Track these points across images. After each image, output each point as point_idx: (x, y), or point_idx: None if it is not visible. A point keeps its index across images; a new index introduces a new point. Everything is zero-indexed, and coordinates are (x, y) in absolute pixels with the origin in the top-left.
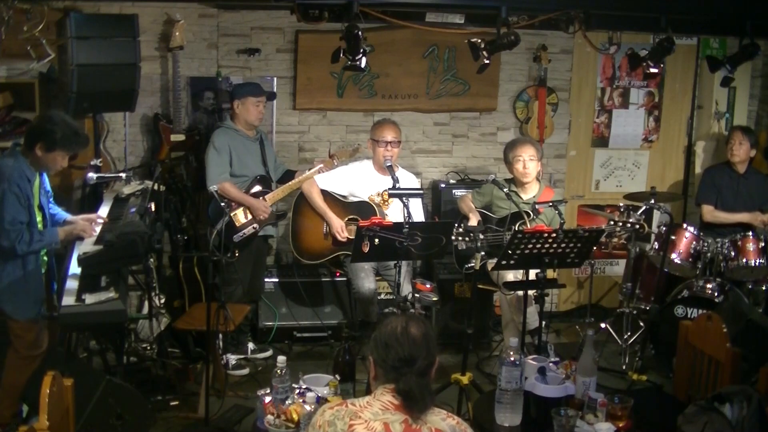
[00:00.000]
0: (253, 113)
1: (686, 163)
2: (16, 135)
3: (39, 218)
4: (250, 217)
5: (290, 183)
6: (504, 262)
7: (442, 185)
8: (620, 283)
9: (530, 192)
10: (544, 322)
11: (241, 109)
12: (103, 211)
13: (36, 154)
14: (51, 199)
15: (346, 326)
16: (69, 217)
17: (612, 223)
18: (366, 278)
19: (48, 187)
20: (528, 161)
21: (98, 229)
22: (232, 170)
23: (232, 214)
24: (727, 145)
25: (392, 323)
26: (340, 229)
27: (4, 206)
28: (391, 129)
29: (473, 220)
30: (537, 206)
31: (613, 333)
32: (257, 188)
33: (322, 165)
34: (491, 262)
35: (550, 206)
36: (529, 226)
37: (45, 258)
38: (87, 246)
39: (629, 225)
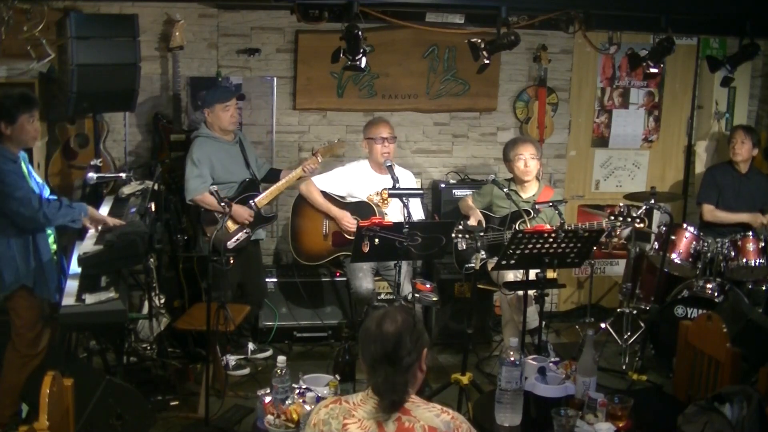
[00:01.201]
0: (224, 119)
1: (686, 163)
2: None
3: None
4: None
5: (278, 185)
6: (504, 262)
7: (442, 185)
8: (620, 283)
9: (530, 191)
10: (544, 322)
11: (212, 117)
12: (103, 211)
13: (6, 134)
14: (48, 192)
15: (346, 326)
16: (91, 208)
17: (612, 218)
18: (364, 278)
19: (38, 179)
20: (529, 160)
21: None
22: (218, 179)
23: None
24: (729, 144)
25: (369, 320)
26: (348, 221)
27: (6, 182)
28: (385, 126)
29: (473, 220)
30: (537, 206)
31: (613, 333)
32: (245, 194)
33: (306, 163)
34: (491, 262)
35: (550, 206)
36: (528, 224)
37: (54, 246)
38: (87, 246)
39: (629, 220)
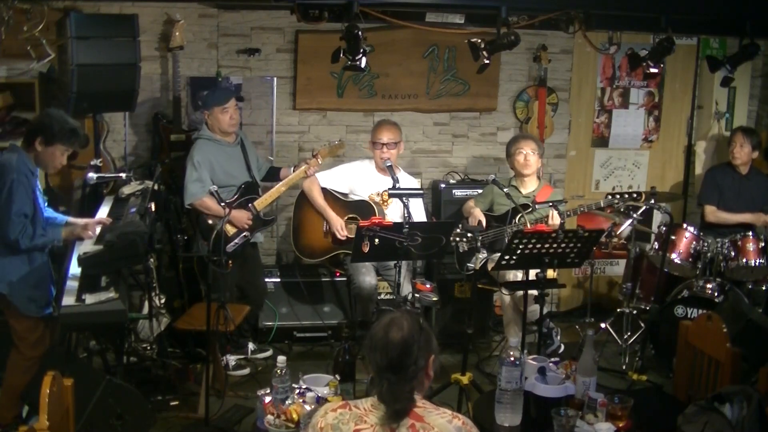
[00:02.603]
0: (223, 121)
1: (686, 163)
2: (16, 135)
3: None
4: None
5: (277, 186)
6: (504, 262)
7: (442, 185)
8: (620, 283)
9: (529, 187)
10: (548, 320)
11: (211, 119)
12: (103, 211)
13: (36, 150)
14: (45, 204)
15: (346, 326)
16: (70, 219)
17: (609, 197)
18: (367, 274)
19: (40, 193)
20: (530, 154)
21: (98, 229)
22: (218, 182)
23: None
24: (729, 146)
25: (377, 326)
26: (340, 227)
27: (12, 197)
28: (388, 130)
29: (473, 220)
30: (537, 205)
31: (613, 333)
32: (244, 197)
33: (306, 165)
34: (492, 261)
35: (550, 206)
36: (527, 218)
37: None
38: (87, 246)
39: (627, 196)
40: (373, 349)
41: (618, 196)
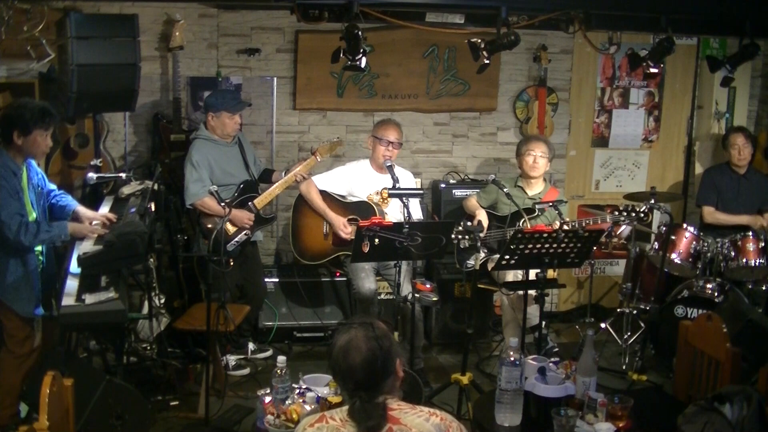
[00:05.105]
0: (229, 126)
1: (686, 163)
2: None
3: (32, 216)
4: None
5: (277, 185)
6: (504, 262)
7: (442, 185)
8: (620, 283)
9: (536, 189)
10: (543, 323)
11: (216, 122)
12: (103, 211)
13: (16, 144)
14: (47, 186)
15: None
16: (78, 207)
17: (616, 213)
18: (366, 278)
19: (38, 181)
20: (539, 157)
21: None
22: (217, 181)
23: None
24: (730, 149)
25: (335, 352)
26: (343, 226)
27: None
28: (395, 130)
29: (477, 219)
30: (539, 205)
31: (613, 333)
32: (244, 195)
33: (305, 164)
34: (492, 261)
35: (551, 206)
36: (529, 222)
37: (41, 257)
38: (87, 246)
39: (634, 214)
40: (338, 374)
41: (625, 214)
